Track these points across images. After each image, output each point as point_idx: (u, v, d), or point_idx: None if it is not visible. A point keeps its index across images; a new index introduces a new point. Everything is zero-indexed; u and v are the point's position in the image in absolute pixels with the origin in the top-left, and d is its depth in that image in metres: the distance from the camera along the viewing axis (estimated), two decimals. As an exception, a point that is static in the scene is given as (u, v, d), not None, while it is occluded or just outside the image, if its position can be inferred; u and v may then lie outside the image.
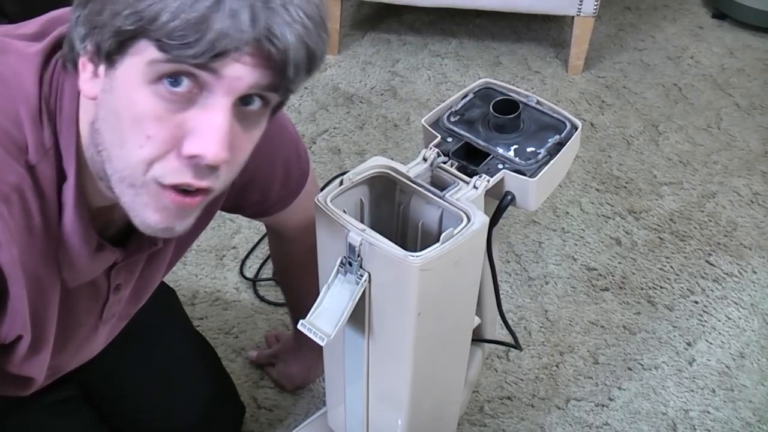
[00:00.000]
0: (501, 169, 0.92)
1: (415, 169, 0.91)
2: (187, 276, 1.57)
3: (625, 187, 1.82)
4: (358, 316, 0.89)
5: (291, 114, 1.99)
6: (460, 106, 0.99)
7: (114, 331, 0.98)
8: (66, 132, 0.71)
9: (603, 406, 1.39)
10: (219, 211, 0.99)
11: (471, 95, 1.01)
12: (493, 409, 1.37)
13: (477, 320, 1.16)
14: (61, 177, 0.72)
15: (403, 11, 2.38)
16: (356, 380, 1.00)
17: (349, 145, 1.91)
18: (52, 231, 0.73)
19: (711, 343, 1.49)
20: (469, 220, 0.84)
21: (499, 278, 1.04)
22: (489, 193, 0.91)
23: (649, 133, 1.99)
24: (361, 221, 0.87)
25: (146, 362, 1.14)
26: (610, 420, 1.36)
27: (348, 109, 2.02)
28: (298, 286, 1.24)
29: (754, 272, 1.63)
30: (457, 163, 0.93)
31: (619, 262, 1.64)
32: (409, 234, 0.93)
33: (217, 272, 1.58)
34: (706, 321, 1.53)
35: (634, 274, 1.62)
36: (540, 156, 0.93)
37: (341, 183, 0.87)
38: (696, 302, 1.57)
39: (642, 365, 1.45)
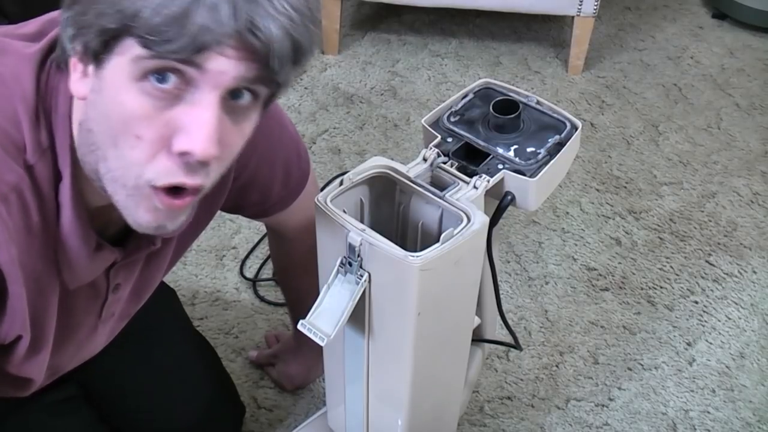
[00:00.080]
0: (501, 169, 0.92)
1: (415, 169, 0.91)
2: (187, 276, 1.57)
3: (625, 187, 1.82)
4: (358, 316, 0.89)
5: (291, 114, 1.99)
6: (460, 106, 0.99)
7: (114, 330, 0.98)
8: (61, 131, 0.71)
9: (603, 406, 1.39)
10: (219, 211, 0.99)
11: (471, 95, 1.01)
12: (493, 409, 1.37)
13: (477, 320, 1.16)
14: (58, 177, 0.72)
15: (403, 11, 2.38)
16: (356, 380, 1.00)
17: (349, 145, 1.91)
18: (51, 231, 0.73)
19: (711, 343, 1.49)
20: (469, 220, 0.84)
21: (499, 278, 1.04)
22: (489, 193, 0.91)
23: (649, 133, 1.99)
24: (361, 221, 0.87)
25: (146, 362, 1.14)
26: (610, 420, 1.36)
27: (348, 109, 2.02)
28: (297, 286, 1.24)
29: (754, 272, 1.63)
30: (457, 163, 0.93)
31: (619, 262, 1.64)
32: (409, 234, 0.93)
33: (217, 272, 1.58)
34: (706, 321, 1.53)
35: (634, 274, 1.62)
36: (540, 156, 0.93)
37: (341, 183, 0.87)
38: (696, 302, 1.57)
39: (642, 365, 1.45)
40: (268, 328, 1.49)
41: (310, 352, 1.30)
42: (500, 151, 0.94)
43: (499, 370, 1.43)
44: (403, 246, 0.82)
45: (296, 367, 1.37)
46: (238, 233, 1.66)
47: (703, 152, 1.94)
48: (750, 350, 1.48)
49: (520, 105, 0.96)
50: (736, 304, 1.57)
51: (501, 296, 1.06)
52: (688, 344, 1.49)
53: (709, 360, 1.46)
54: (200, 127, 0.64)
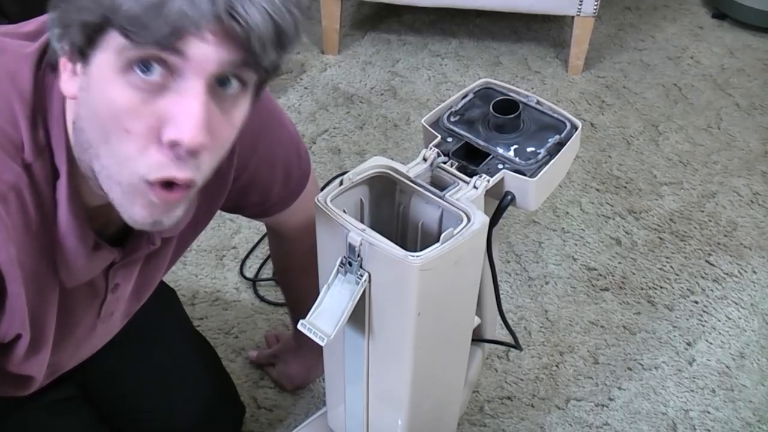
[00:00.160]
0: (501, 169, 0.92)
1: (415, 169, 0.91)
2: (187, 276, 1.57)
3: (625, 187, 1.82)
4: (358, 316, 0.89)
5: (291, 114, 1.99)
6: (460, 106, 0.99)
7: (114, 329, 0.98)
8: (56, 130, 0.71)
9: (603, 406, 1.39)
10: (219, 211, 0.99)
11: (471, 95, 1.01)
12: (493, 409, 1.37)
13: (477, 320, 1.16)
14: (56, 176, 0.72)
15: (403, 11, 2.38)
16: (356, 380, 1.00)
17: (349, 145, 1.91)
18: (50, 230, 0.73)
19: (711, 343, 1.49)
20: (469, 220, 0.84)
21: (499, 278, 1.04)
22: (489, 193, 0.91)
23: (649, 133, 1.99)
24: (361, 221, 0.87)
25: (146, 362, 1.14)
26: (610, 420, 1.36)
27: (348, 109, 2.02)
28: (297, 286, 1.24)
29: (754, 272, 1.63)
30: (457, 163, 0.93)
31: (619, 262, 1.64)
32: (409, 234, 0.93)
33: (217, 272, 1.58)
34: (706, 321, 1.53)
35: (634, 274, 1.62)
36: (540, 156, 0.93)
37: (341, 183, 0.87)
38: (696, 302, 1.57)
39: (642, 365, 1.45)
40: (268, 328, 1.49)
41: (310, 352, 1.30)
42: (500, 151, 0.94)
43: (499, 370, 1.43)
44: (403, 246, 0.82)
45: (296, 367, 1.37)
46: (238, 233, 1.66)
47: (703, 152, 1.94)
48: (750, 350, 1.48)
49: (520, 105, 0.96)
50: (736, 304, 1.57)
51: (501, 296, 1.06)
52: (688, 344, 1.49)
53: (709, 360, 1.46)
54: (188, 116, 0.64)
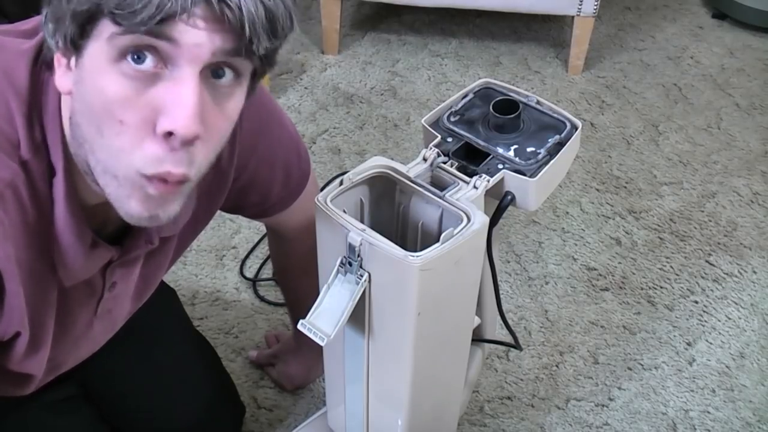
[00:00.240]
0: (501, 169, 0.92)
1: (415, 169, 0.91)
2: (187, 276, 1.57)
3: (625, 187, 1.82)
4: (358, 316, 0.89)
5: (291, 114, 1.99)
6: (460, 106, 0.99)
7: (114, 327, 0.98)
8: (52, 127, 0.71)
9: (603, 406, 1.39)
10: (219, 211, 0.99)
11: (471, 95, 1.01)
12: (493, 409, 1.37)
13: (477, 320, 1.16)
14: (52, 173, 0.72)
15: (403, 11, 2.38)
16: (356, 380, 1.00)
17: (349, 145, 1.91)
18: (47, 228, 0.73)
19: (711, 343, 1.49)
20: (469, 220, 0.84)
21: (499, 278, 1.04)
22: (489, 193, 0.91)
23: (649, 133, 1.99)
24: (361, 221, 0.87)
25: (146, 362, 1.14)
26: (610, 420, 1.36)
27: (348, 109, 2.02)
28: (297, 286, 1.24)
29: (754, 272, 1.63)
30: (457, 163, 0.93)
31: (619, 262, 1.64)
32: (409, 234, 0.93)
33: (217, 272, 1.58)
34: (706, 321, 1.53)
35: (634, 274, 1.62)
36: (540, 156, 0.93)
37: (341, 183, 0.87)
38: (696, 302, 1.57)
39: (642, 365, 1.45)
40: (268, 328, 1.49)
41: (310, 352, 1.30)
42: (500, 151, 0.94)
43: (499, 370, 1.43)
44: (403, 246, 0.82)
45: (296, 367, 1.37)
46: (238, 233, 1.66)
47: (703, 152, 1.94)
48: (750, 350, 1.48)
49: (520, 105, 0.96)
50: (736, 304, 1.57)
51: (501, 296, 1.06)
52: (688, 344, 1.49)
53: (709, 360, 1.46)
54: (181, 105, 0.63)
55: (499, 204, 0.93)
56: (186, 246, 0.99)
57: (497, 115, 0.95)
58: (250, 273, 1.58)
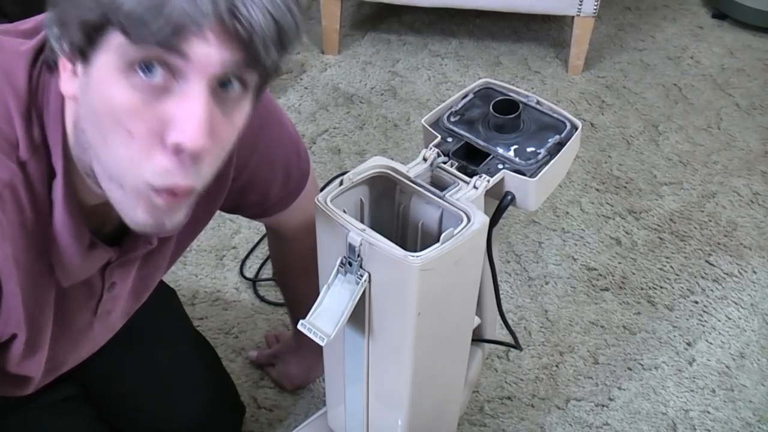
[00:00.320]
0: (501, 169, 0.92)
1: (415, 169, 0.91)
2: (187, 276, 1.57)
3: (625, 187, 1.82)
4: (358, 316, 0.89)
5: (291, 114, 1.99)
6: (460, 106, 0.99)
7: (113, 328, 0.98)
8: (53, 128, 0.71)
9: (603, 406, 1.39)
10: (219, 211, 0.99)
11: (471, 95, 1.01)
12: (493, 409, 1.37)
13: (477, 320, 1.16)
14: (51, 174, 0.72)
15: (403, 11, 2.38)
16: (356, 380, 1.00)
17: (349, 145, 1.91)
18: (45, 229, 0.73)
19: (711, 343, 1.49)
20: (469, 220, 0.84)
21: (499, 278, 1.04)
22: (489, 193, 0.91)
23: (649, 133, 1.99)
24: (361, 221, 0.87)
25: (146, 362, 1.14)
26: (610, 420, 1.36)
27: (348, 109, 2.02)
28: (297, 286, 1.24)
29: (754, 272, 1.63)
30: (457, 163, 0.93)
31: (619, 262, 1.64)
32: (409, 234, 0.93)
33: (217, 272, 1.58)
34: (706, 321, 1.53)
35: (634, 274, 1.62)
36: (540, 156, 0.93)
37: (341, 183, 0.87)
38: (696, 302, 1.57)
39: (642, 365, 1.45)
40: (268, 328, 1.49)
41: (310, 352, 1.30)
42: (500, 151, 0.94)
43: (499, 370, 1.43)
44: (403, 246, 0.82)
45: (296, 367, 1.37)
46: (238, 233, 1.66)
47: (703, 152, 1.94)
48: (750, 350, 1.48)
49: (520, 105, 0.96)
50: (736, 304, 1.57)
51: (501, 296, 1.06)
52: (688, 344, 1.49)
53: (709, 360, 1.46)
54: (190, 119, 0.63)
55: (499, 204, 0.93)
56: (185, 247, 0.99)
57: (497, 115, 0.95)
58: (250, 273, 1.58)
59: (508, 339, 1.18)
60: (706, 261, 1.65)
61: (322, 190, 0.88)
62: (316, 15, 2.20)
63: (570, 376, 1.43)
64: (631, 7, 2.50)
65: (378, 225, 0.90)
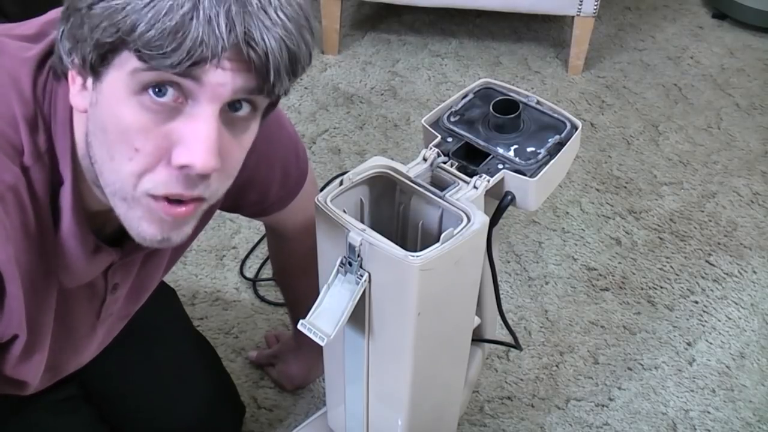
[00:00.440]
0: (501, 169, 0.92)
1: (415, 169, 0.91)
2: (187, 276, 1.57)
3: (625, 187, 1.82)
4: (358, 316, 0.89)
5: (291, 114, 1.99)
6: (460, 106, 0.99)
7: (113, 331, 0.98)
8: (61, 137, 0.71)
9: (603, 406, 1.39)
10: (219, 211, 0.99)
11: (471, 95, 1.01)
12: (493, 409, 1.37)
13: (477, 320, 1.16)
14: (56, 181, 0.72)
15: (403, 11, 2.38)
16: (356, 380, 1.00)
17: (349, 145, 1.91)
18: (47, 233, 0.73)
19: (711, 343, 1.49)
20: (469, 220, 0.84)
21: (499, 278, 1.04)
22: (489, 193, 0.91)
23: (649, 133, 1.99)
24: (361, 221, 0.87)
25: (146, 362, 1.14)
26: (610, 420, 1.36)
27: (348, 109, 2.02)
28: (297, 286, 1.24)
29: (754, 272, 1.63)
30: (457, 163, 0.93)
31: (619, 262, 1.64)
32: (409, 234, 0.93)
33: (217, 272, 1.58)
34: (706, 321, 1.53)
35: (634, 274, 1.62)
36: (540, 156, 0.93)
37: (341, 183, 0.87)
38: (696, 302, 1.57)
39: (642, 365, 1.45)
40: (268, 328, 1.49)
41: (310, 352, 1.30)
42: (500, 151, 0.94)
43: (499, 370, 1.43)
44: (403, 246, 0.82)
45: (296, 367, 1.37)
46: (238, 233, 1.66)
47: (703, 152, 1.94)
48: (750, 350, 1.48)
49: (520, 105, 0.96)
50: (736, 304, 1.57)
51: (501, 296, 1.06)
52: (688, 344, 1.49)
53: (709, 360, 1.46)
54: (199, 140, 0.64)
55: (499, 204, 0.93)
56: (184, 249, 0.99)
57: (497, 115, 0.95)
58: (250, 273, 1.58)
59: (508, 339, 1.18)
60: (706, 261, 1.65)
61: (322, 190, 0.88)
62: (316, 15, 2.20)
63: (570, 376, 1.43)
64: (631, 7, 2.50)
65: (378, 225, 0.90)
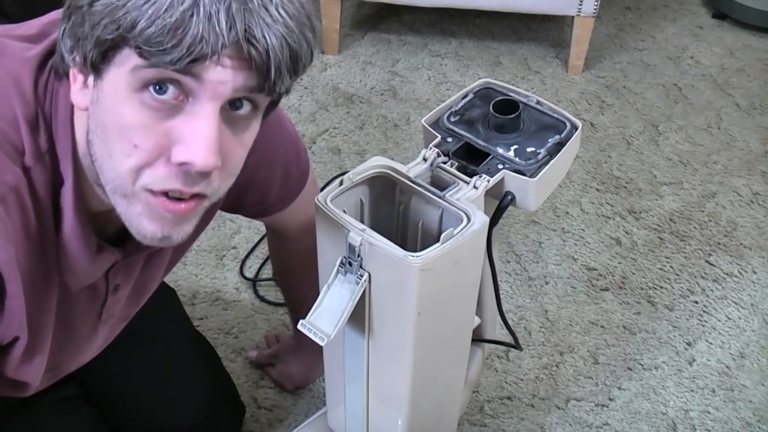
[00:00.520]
0: (501, 169, 0.92)
1: (415, 169, 0.91)
2: (187, 276, 1.57)
3: (625, 187, 1.82)
4: (358, 316, 0.89)
5: (291, 114, 1.99)
6: (460, 106, 0.99)
7: (114, 331, 0.98)
8: (62, 137, 0.71)
9: (603, 406, 1.39)
10: (219, 211, 0.99)
11: (471, 95, 1.01)
12: (493, 409, 1.37)
13: (477, 320, 1.16)
14: (57, 181, 0.72)
15: (403, 11, 2.38)
16: (356, 380, 1.00)
17: (349, 145, 1.91)
18: (48, 234, 0.73)
19: (711, 343, 1.49)
20: (469, 220, 0.84)
21: (499, 278, 1.04)
22: (489, 193, 0.91)
23: (649, 133, 1.99)
24: (361, 221, 0.87)
25: (146, 362, 1.14)
26: (610, 420, 1.36)
27: (348, 109, 2.02)
28: (297, 286, 1.24)
29: (754, 272, 1.63)
30: (457, 163, 0.93)
31: (619, 262, 1.64)
32: (409, 234, 0.93)
33: (217, 272, 1.58)
34: (706, 321, 1.53)
35: (634, 274, 1.62)
36: (540, 156, 0.93)
37: (341, 183, 0.87)
38: (696, 302, 1.57)
39: (642, 365, 1.45)
40: (268, 328, 1.49)
41: (310, 352, 1.30)
42: (500, 151, 0.94)
43: (499, 370, 1.43)
44: (403, 246, 0.82)
45: (296, 367, 1.37)
46: (238, 233, 1.66)
47: (703, 152, 1.94)
48: (750, 350, 1.48)
49: (520, 105, 0.96)
50: (736, 304, 1.57)
51: (501, 296, 1.06)
52: (688, 344, 1.49)
53: (709, 360, 1.46)
54: (199, 138, 0.64)
55: (499, 204, 0.93)
56: (185, 249, 0.99)
57: (497, 115, 0.95)
58: (250, 273, 1.58)
59: (508, 339, 1.18)
60: (706, 261, 1.65)
61: (322, 190, 0.88)
62: (316, 15, 2.20)
63: (570, 376, 1.43)
64: (631, 7, 2.50)
65: (378, 225, 0.90)
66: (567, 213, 1.75)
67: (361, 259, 0.84)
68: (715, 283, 1.61)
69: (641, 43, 2.33)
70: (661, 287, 1.60)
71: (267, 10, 0.62)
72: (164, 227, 0.69)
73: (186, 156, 0.64)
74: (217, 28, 0.60)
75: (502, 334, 1.29)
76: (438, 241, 0.82)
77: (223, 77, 0.63)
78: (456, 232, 0.82)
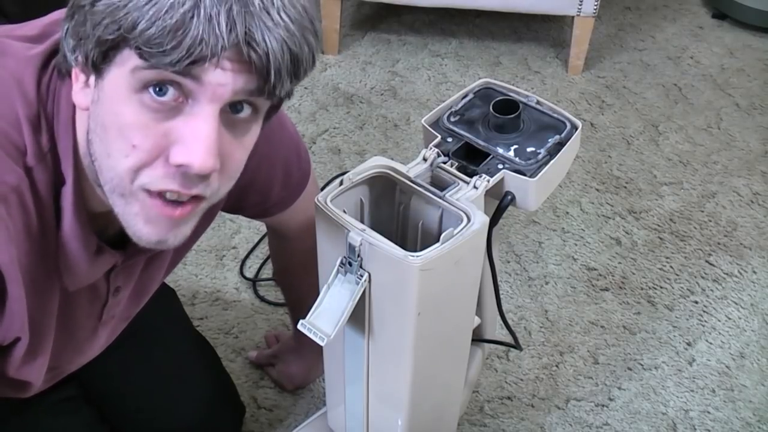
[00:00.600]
0: (501, 169, 0.92)
1: (415, 169, 0.91)
2: (187, 276, 1.57)
3: (625, 187, 1.82)
4: (358, 316, 0.89)
5: (291, 114, 1.99)
6: (460, 106, 0.99)
7: (114, 332, 0.98)
8: (63, 136, 0.71)
9: (603, 406, 1.39)
10: (219, 211, 0.99)
11: (471, 95, 1.01)
12: (493, 409, 1.37)
13: (477, 320, 1.16)
14: (59, 181, 0.72)
15: (403, 11, 2.38)
16: (356, 380, 1.00)
17: (349, 145, 1.91)
18: (49, 234, 0.73)
19: (711, 343, 1.49)
20: (469, 220, 0.84)
21: (499, 278, 1.04)
22: (489, 193, 0.91)
23: (649, 133, 1.99)
24: (361, 221, 0.87)
25: (146, 362, 1.14)
26: (610, 420, 1.36)
27: (348, 109, 2.02)
28: (297, 286, 1.24)
29: (754, 272, 1.63)
30: (457, 163, 0.93)
31: (619, 262, 1.64)
32: (409, 234, 0.93)
33: (217, 272, 1.58)
34: (706, 321, 1.53)
35: (634, 274, 1.62)
36: (540, 156, 0.93)
37: (341, 183, 0.87)
38: (696, 302, 1.57)
39: (642, 365, 1.45)
40: (268, 328, 1.49)
41: (310, 352, 1.30)
42: (500, 151, 0.94)
43: (499, 370, 1.43)
44: (403, 246, 0.82)
45: (296, 367, 1.37)
46: (238, 233, 1.66)
47: (703, 152, 1.94)
48: (750, 350, 1.48)
49: (520, 105, 0.96)
50: (736, 304, 1.57)
51: (501, 296, 1.06)
52: (688, 344, 1.49)
53: (709, 360, 1.46)
54: (198, 140, 0.64)
55: (499, 204, 0.93)
56: (185, 251, 0.99)
57: (497, 115, 0.95)
58: (250, 273, 1.58)
59: (508, 339, 1.18)
60: (706, 261, 1.65)
61: (322, 190, 0.88)
62: (316, 15, 2.20)
63: (570, 376, 1.43)
64: (631, 7, 2.50)
65: (378, 225, 0.90)
66: (567, 213, 1.75)
67: (361, 259, 0.84)
68: (715, 283, 1.61)
69: (641, 43, 2.33)
70: (661, 287, 1.60)
71: (268, 13, 0.62)
72: (160, 231, 0.69)
73: (184, 157, 0.64)
74: (217, 30, 0.60)
75: (502, 334, 1.29)
76: (438, 241, 0.82)
77: (222, 80, 0.63)
78: (456, 232, 0.82)
